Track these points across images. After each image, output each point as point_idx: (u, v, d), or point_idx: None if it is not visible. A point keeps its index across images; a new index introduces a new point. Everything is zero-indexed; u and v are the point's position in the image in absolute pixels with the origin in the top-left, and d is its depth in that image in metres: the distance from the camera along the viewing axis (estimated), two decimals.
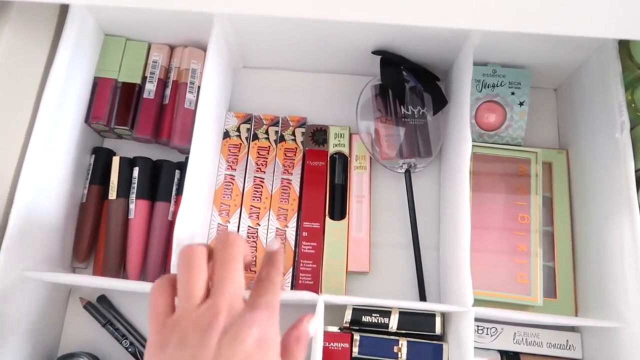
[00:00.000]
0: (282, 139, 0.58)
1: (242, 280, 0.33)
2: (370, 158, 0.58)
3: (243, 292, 0.33)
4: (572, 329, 0.53)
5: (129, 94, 0.56)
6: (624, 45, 0.51)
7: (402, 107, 0.56)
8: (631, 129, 0.48)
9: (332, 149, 0.57)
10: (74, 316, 0.54)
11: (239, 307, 0.31)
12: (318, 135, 0.58)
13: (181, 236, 0.47)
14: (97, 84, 0.56)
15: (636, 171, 0.47)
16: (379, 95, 0.58)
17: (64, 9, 0.52)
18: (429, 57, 0.57)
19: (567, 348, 0.52)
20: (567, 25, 0.42)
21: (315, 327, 0.39)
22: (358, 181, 0.57)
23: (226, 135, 0.58)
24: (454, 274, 0.50)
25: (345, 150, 0.58)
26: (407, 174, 0.56)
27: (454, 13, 0.42)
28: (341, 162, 0.57)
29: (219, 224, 0.55)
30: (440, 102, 0.56)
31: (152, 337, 0.31)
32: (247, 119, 0.59)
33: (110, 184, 0.54)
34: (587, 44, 0.53)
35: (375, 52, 0.57)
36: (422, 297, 0.54)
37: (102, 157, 0.56)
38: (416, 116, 0.56)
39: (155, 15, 0.54)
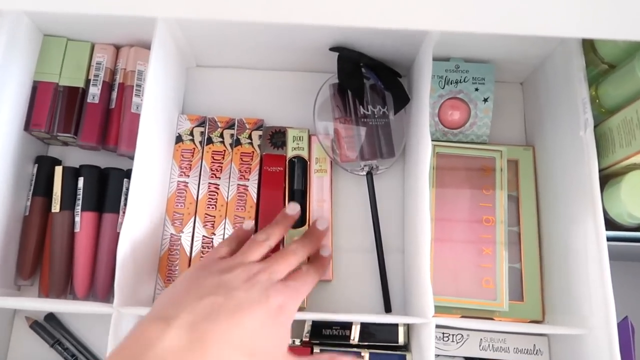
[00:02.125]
0: (237, 142, 0.55)
1: (290, 267, 0.43)
2: (331, 161, 0.55)
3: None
4: (539, 333, 0.52)
5: (72, 98, 0.53)
6: (587, 39, 0.49)
7: (361, 106, 0.54)
8: (595, 126, 0.47)
9: (290, 153, 0.55)
10: (20, 336, 0.51)
11: (276, 278, 0.40)
12: (277, 137, 0.56)
13: (126, 250, 0.44)
14: (37, 88, 0.52)
15: (600, 170, 0.46)
16: (337, 94, 0.55)
17: None
18: (390, 54, 0.55)
19: (535, 353, 0.50)
20: (526, 26, 0.39)
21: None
22: (318, 185, 0.54)
23: (179, 139, 0.55)
24: (415, 283, 0.48)
25: (305, 154, 0.55)
26: (369, 176, 0.54)
27: (410, 15, 0.40)
28: (300, 167, 0.55)
29: (171, 234, 0.52)
30: (401, 100, 0.54)
31: (202, 259, 0.43)
32: (201, 122, 0.56)
33: (54, 196, 0.51)
34: (551, 38, 0.51)
35: (332, 49, 0.54)
36: (387, 308, 0.52)
37: (45, 167, 0.53)
38: (377, 116, 0.54)
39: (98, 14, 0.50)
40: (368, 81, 0.55)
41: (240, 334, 0.34)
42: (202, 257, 0.51)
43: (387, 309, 0.52)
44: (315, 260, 0.47)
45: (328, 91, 0.55)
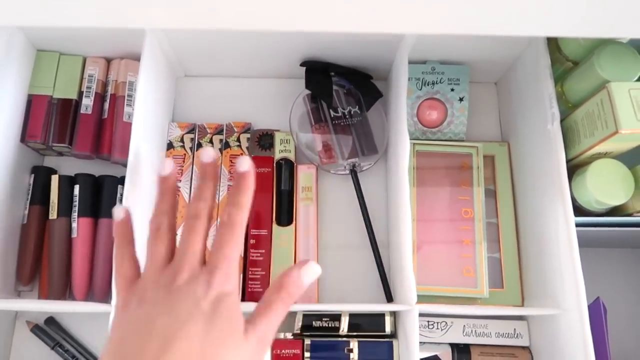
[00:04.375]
0: (227, 145, 0.57)
1: (202, 243, 0.32)
2: (317, 168, 0.58)
3: (201, 255, 0.32)
4: (519, 317, 0.54)
5: (66, 110, 0.55)
6: (553, 39, 0.52)
7: (331, 110, 0.57)
8: (562, 120, 0.50)
9: (277, 155, 0.57)
10: (22, 340, 0.53)
11: (197, 269, 0.31)
12: (264, 140, 0.58)
13: None
14: (32, 101, 0.54)
15: (568, 161, 0.49)
16: (311, 104, 0.58)
17: None
18: (367, 59, 0.58)
19: (515, 336, 0.53)
20: (495, 26, 0.42)
21: (312, 277, 0.33)
22: (305, 185, 0.57)
23: (170, 146, 0.57)
24: (399, 274, 0.50)
25: (291, 156, 0.58)
26: (353, 173, 0.57)
27: (383, 19, 0.43)
28: (287, 168, 0.57)
29: None
30: (372, 96, 0.57)
31: (117, 298, 0.33)
32: (191, 129, 0.58)
33: (51, 204, 0.53)
34: (520, 40, 0.54)
35: (302, 64, 0.57)
36: (389, 297, 0.54)
37: (41, 176, 0.55)
38: (347, 116, 0.57)
39: (88, 29, 0.53)
40: (340, 87, 0.58)
41: None
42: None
43: (389, 298, 0.54)
44: (234, 187, 0.34)
45: (302, 104, 0.58)
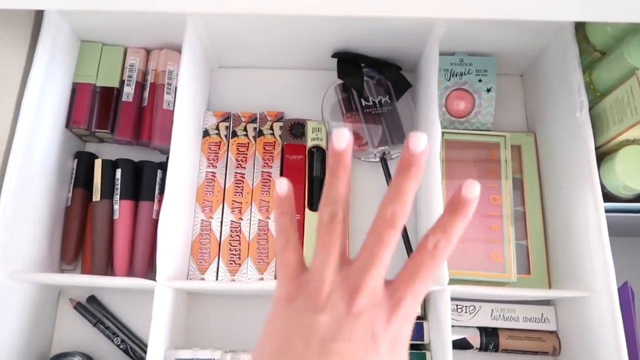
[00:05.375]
0: (260, 133, 0.59)
1: (388, 260, 0.28)
2: None
3: (385, 273, 0.28)
4: (546, 302, 0.55)
5: (108, 97, 0.57)
6: (580, 30, 0.54)
7: (363, 99, 0.59)
8: (590, 108, 0.51)
9: (310, 143, 0.59)
10: (65, 317, 0.56)
11: (379, 291, 0.27)
12: (296, 129, 0.60)
13: (165, 231, 0.48)
14: (76, 89, 0.57)
15: (597, 148, 0.50)
16: (342, 94, 0.60)
17: (38, 17, 0.53)
18: (397, 51, 0.59)
19: (542, 321, 0.54)
20: (526, 10, 0.44)
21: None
22: None
23: (206, 134, 0.60)
24: None
25: (323, 144, 0.59)
26: (383, 161, 0.58)
27: (417, 4, 0.45)
28: (319, 156, 0.59)
29: (202, 220, 0.56)
30: (402, 86, 0.59)
31: (280, 288, 0.29)
32: (226, 117, 0.60)
33: (94, 186, 0.55)
34: (547, 30, 0.55)
35: (334, 56, 0.59)
36: None
37: (84, 161, 0.57)
38: (378, 105, 0.59)
39: (130, 20, 0.55)
40: (370, 78, 0.60)
41: None
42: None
43: None
44: (448, 216, 0.28)
45: (334, 94, 0.60)
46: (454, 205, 0.28)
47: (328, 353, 0.25)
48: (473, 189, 0.27)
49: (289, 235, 0.30)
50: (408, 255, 0.56)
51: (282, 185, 0.31)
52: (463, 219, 0.28)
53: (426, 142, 0.27)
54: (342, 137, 0.28)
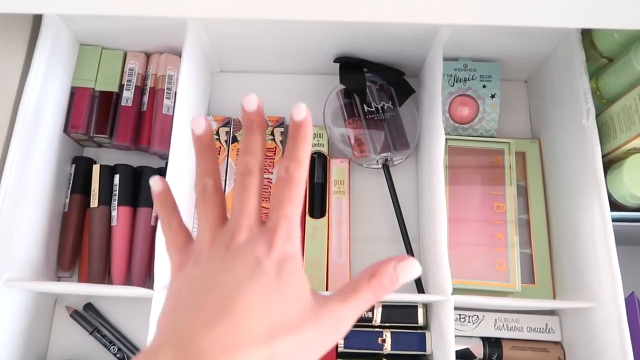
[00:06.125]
0: None
1: (257, 200, 0.30)
2: (349, 161, 0.59)
3: (257, 213, 0.30)
4: (551, 312, 0.54)
5: (107, 102, 0.57)
6: (586, 36, 0.53)
7: (365, 105, 0.58)
8: (597, 115, 0.50)
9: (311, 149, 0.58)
10: (61, 325, 0.55)
11: (257, 227, 0.29)
12: None
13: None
14: (75, 93, 0.56)
15: (603, 156, 0.49)
16: (344, 100, 0.59)
17: (37, 20, 0.52)
18: (400, 56, 0.59)
19: (547, 331, 0.53)
20: (531, 17, 0.43)
21: (409, 276, 0.29)
22: (337, 179, 0.58)
23: None
24: (433, 264, 0.51)
25: (324, 150, 0.59)
26: (385, 168, 0.57)
27: (421, 9, 0.44)
28: (320, 162, 0.58)
29: None
30: (405, 92, 0.58)
31: (171, 262, 0.31)
32: (226, 122, 0.60)
33: (92, 192, 0.54)
34: (552, 36, 0.55)
35: (336, 60, 0.58)
36: (420, 290, 0.55)
37: (82, 166, 0.57)
38: (380, 111, 0.58)
39: (130, 24, 0.54)
40: (373, 83, 0.59)
41: (248, 327, 0.25)
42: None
43: (420, 291, 0.55)
44: (291, 138, 0.31)
45: (336, 99, 0.59)
46: (291, 131, 0.31)
47: (212, 288, 0.27)
48: (299, 112, 0.31)
49: (170, 220, 0.32)
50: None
51: (156, 183, 0.34)
52: (303, 140, 0.31)
53: (305, 110, 0.31)
54: (198, 125, 0.31)
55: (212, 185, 0.31)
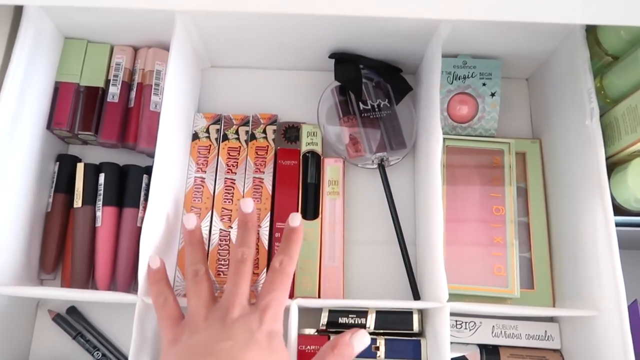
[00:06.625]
0: (252, 137, 0.57)
1: (248, 285, 0.39)
2: (344, 161, 0.57)
3: (248, 295, 0.39)
4: (550, 319, 0.53)
5: (92, 98, 0.54)
6: (591, 33, 0.51)
7: (361, 103, 0.56)
8: (601, 115, 0.48)
9: (304, 148, 0.56)
10: (43, 329, 0.53)
11: (247, 306, 0.36)
12: (290, 132, 0.57)
13: (148, 242, 0.45)
14: (59, 88, 0.54)
15: (607, 158, 0.47)
16: (339, 97, 0.57)
17: (18, 12, 0.50)
18: (398, 52, 0.56)
19: (546, 339, 0.51)
20: (534, 12, 0.41)
21: (362, 345, 0.40)
22: (331, 179, 0.56)
23: (195, 137, 0.57)
24: (429, 269, 0.49)
25: (318, 149, 0.57)
26: (381, 168, 0.55)
27: (421, 4, 0.42)
28: (314, 161, 0.56)
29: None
30: (402, 89, 0.56)
31: (165, 335, 0.37)
32: (217, 120, 0.57)
33: (76, 192, 0.52)
34: (556, 32, 0.53)
35: (331, 56, 0.56)
36: (416, 296, 0.53)
37: (66, 165, 0.55)
38: (377, 109, 0.56)
39: (117, 16, 0.52)
40: (369, 80, 0.57)
41: None
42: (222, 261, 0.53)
43: (416, 296, 0.53)
44: (285, 240, 0.42)
45: (330, 96, 0.57)
46: (287, 233, 0.41)
47: (214, 353, 0.32)
48: (295, 219, 0.42)
49: (166, 296, 0.39)
50: (406, 268, 0.54)
51: (154, 261, 0.42)
52: (295, 242, 0.41)
53: (300, 219, 0.43)
54: (190, 221, 0.43)
55: (203, 270, 0.40)
